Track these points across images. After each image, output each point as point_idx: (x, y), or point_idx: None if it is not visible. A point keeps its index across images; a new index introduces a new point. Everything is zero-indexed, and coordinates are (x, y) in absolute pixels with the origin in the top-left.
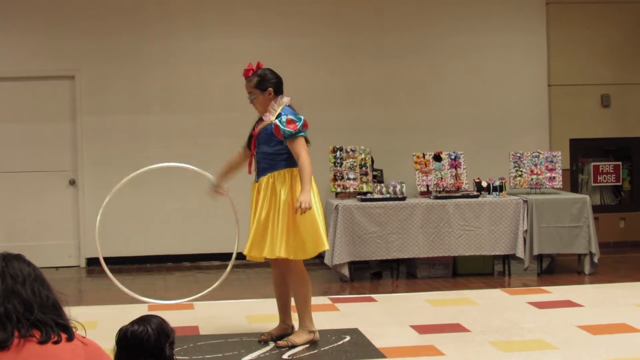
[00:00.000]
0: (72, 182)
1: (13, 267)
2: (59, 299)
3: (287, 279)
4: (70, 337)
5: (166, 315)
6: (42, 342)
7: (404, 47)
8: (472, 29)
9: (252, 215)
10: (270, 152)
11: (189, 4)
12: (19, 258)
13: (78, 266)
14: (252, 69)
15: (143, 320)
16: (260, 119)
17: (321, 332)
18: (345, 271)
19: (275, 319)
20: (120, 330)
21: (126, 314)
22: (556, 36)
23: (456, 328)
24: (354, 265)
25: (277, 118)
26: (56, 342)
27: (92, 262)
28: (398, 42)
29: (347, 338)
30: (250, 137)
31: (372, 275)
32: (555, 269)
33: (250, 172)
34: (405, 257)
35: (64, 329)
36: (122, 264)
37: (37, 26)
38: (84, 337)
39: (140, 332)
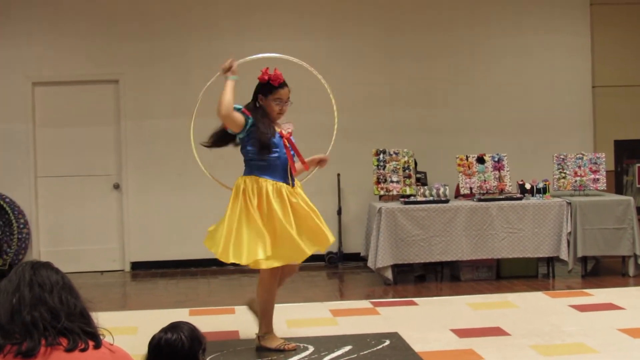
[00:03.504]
0: (117, 186)
1: (41, 275)
2: (87, 306)
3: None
4: (98, 344)
5: (206, 320)
6: (69, 350)
7: (446, 48)
8: (515, 30)
9: (286, 218)
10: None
11: (232, 7)
12: (47, 266)
13: (122, 270)
14: None
15: (175, 327)
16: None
17: (361, 336)
18: (389, 274)
19: (315, 323)
20: (153, 338)
21: (168, 319)
22: (600, 37)
23: (496, 332)
24: (398, 268)
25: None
26: (83, 350)
27: (137, 266)
28: (440, 43)
29: (387, 342)
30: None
31: (416, 278)
32: (599, 271)
33: (307, 168)
34: (449, 259)
35: (91, 336)
36: (167, 268)
37: (81, 31)
38: (111, 345)
39: (174, 340)
